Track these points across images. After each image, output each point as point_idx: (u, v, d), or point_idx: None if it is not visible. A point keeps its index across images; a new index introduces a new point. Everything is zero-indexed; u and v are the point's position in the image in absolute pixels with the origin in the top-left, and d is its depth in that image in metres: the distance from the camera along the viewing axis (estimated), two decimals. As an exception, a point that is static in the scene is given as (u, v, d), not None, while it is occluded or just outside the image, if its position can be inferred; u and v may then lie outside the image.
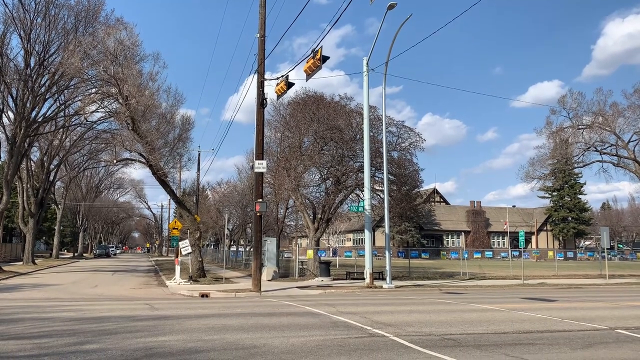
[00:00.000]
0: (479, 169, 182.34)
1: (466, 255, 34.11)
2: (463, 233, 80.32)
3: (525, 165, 41.78)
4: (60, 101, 34.78)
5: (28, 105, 31.13)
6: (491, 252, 76.18)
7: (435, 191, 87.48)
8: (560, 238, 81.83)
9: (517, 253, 61.59)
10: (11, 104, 31.94)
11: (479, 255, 71.44)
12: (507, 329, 9.55)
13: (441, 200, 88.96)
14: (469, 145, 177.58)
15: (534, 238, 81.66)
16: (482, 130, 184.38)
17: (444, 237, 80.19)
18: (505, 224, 71.85)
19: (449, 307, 13.60)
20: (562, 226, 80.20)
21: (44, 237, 78.17)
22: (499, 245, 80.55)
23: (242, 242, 56.37)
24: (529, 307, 13.78)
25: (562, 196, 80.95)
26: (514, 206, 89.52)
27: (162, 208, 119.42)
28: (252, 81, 21.03)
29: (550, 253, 62.69)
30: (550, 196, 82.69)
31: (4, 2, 29.60)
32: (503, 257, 71.65)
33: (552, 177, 65.27)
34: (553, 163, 42.61)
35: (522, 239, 28.45)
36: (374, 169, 25.40)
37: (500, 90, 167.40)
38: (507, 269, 34.10)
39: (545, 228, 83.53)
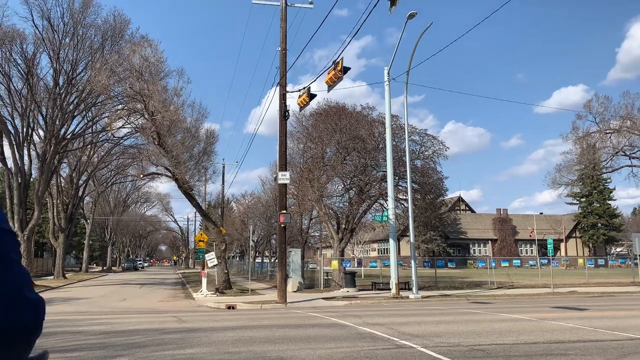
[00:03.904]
0: (504, 176, 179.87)
1: (493, 264, 33.57)
2: (490, 241, 79.14)
3: (552, 172, 41.17)
4: (88, 118, 35.68)
5: (57, 122, 31.99)
6: (519, 261, 74.82)
7: (460, 199, 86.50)
8: (590, 245, 79.94)
9: (545, 261, 60.45)
10: (41, 122, 32.89)
11: (506, 264, 70.24)
12: (537, 339, 9.36)
13: (466, 208, 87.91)
14: (493, 152, 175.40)
15: (562, 245, 79.94)
16: (506, 137, 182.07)
17: (471, 246, 79.09)
18: (532, 232, 70.58)
19: (477, 317, 13.40)
20: (591, 233, 78.35)
21: (73, 252, 79.71)
22: (526, 253, 79.06)
23: (266, 254, 56.56)
24: (559, 316, 13.49)
25: (591, 202, 79.17)
26: (541, 213, 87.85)
27: (188, 221, 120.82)
28: (274, 94, 21.22)
29: (580, 260, 61.25)
30: (578, 202, 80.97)
31: (34, 23, 30.62)
32: (531, 265, 70.28)
33: (580, 183, 63.98)
34: (580, 169, 41.87)
35: (550, 246, 27.97)
36: (397, 178, 25.30)
37: (524, 97, 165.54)
38: (536, 277, 33.45)
39: (574, 235, 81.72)
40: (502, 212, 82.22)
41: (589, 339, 9.47)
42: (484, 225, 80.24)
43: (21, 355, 1.24)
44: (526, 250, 79.86)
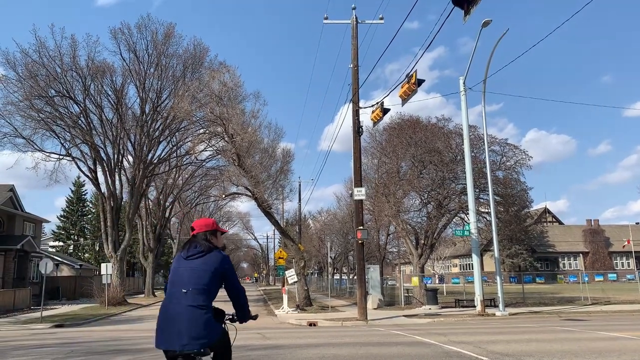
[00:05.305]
0: (594, 185, 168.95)
1: (586, 279, 31.41)
2: (581, 254, 74.50)
3: (649, 178, 38.16)
4: (173, 143, 37.55)
5: (145, 148, 33.93)
6: (615, 274, 69.77)
7: (546, 211, 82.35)
8: (697, 256, 73.09)
9: (646, 274, 55.97)
10: (130, 148, 35.02)
11: (600, 278, 65.70)
12: (642, 360, 8.62)
13: (553, 220, 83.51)
14: (580, 160, 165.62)
15: (664, 257, 73.67)
16: (593, 143, 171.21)
17: (560, 260, 74.82)
18: (628, 243, 65.63)
19: (572, 335, 12.58)
20: (698, 243, 71.69)
21: (162, 271, 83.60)
22: (622, 266, 73.65)
23: (344, 270, 56.52)
24: (666, 335, 12.37)
25: (696, 210, 72.64)
26: (637, 223, 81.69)
27: (267, 238, 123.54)
28: (347, 110, 21.37)
29: (686, 273, 56.08)
30: (681, 210, 74.56)
31: (122, 56, 32.90)
32: (629, 280, 65.27)
33: (682, 189, 58.87)
34: (682, 173, 38.49)
35: (651, 259, 25.77)
36: (477, 190, 24.50)
37: (611, 100, 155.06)
38: (635, 292, 30.99)
39: (677, 246, 75.14)
40: (592, 223, 77.36)
41: (703, 360, 8.59)
42: (573, 238, 75.79)
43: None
44: (622, 263, 74.51)
